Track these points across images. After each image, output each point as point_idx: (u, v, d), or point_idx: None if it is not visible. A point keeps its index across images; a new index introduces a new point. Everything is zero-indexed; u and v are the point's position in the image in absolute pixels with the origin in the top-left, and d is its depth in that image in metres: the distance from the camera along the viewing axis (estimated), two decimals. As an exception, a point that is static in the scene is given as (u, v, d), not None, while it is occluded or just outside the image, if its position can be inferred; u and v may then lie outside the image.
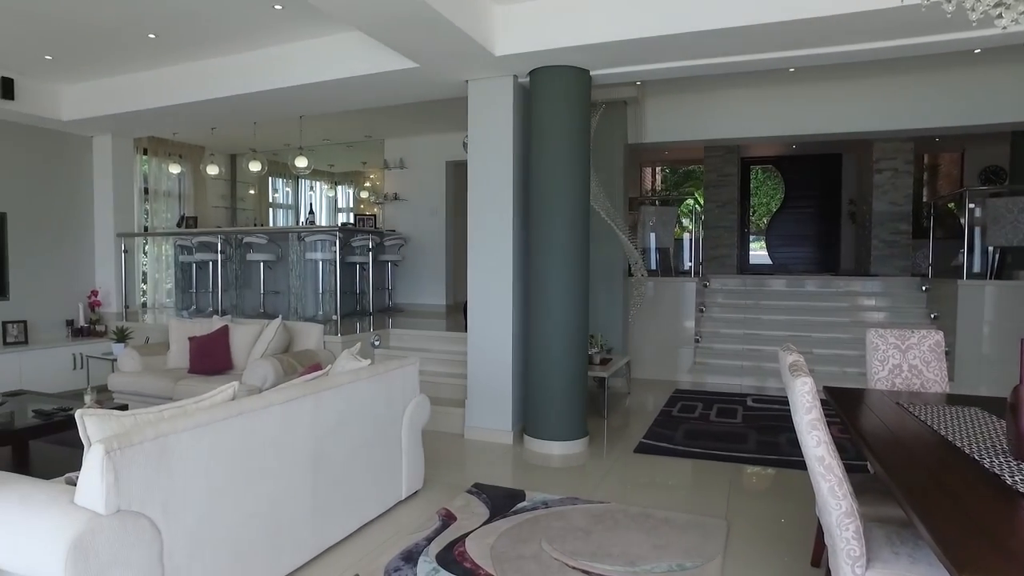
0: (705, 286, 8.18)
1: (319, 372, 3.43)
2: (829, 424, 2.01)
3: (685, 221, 12.60)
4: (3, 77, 5.97)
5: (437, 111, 7.17)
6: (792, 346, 2.40)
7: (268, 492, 2.69)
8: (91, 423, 2.25)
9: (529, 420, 4.92)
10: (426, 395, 3.95)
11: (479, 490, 3.90)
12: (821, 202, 10.83)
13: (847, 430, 2.53)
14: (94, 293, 7.20)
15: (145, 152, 8.05)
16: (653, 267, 8.93)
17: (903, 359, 3.17)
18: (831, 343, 7.15)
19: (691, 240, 9.69)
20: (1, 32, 5.08)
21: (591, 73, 4.81)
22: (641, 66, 4.68)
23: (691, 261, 9.27)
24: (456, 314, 8.09)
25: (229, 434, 2.50)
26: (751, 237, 12.03)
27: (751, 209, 12.55)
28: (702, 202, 10.45)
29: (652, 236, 9.35)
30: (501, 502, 3.70)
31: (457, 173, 8.83)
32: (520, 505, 3.65)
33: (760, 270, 10.77)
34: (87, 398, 4.11)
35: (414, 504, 3.70)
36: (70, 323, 6.94)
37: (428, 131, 8.87)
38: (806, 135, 7.56)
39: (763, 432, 5.16)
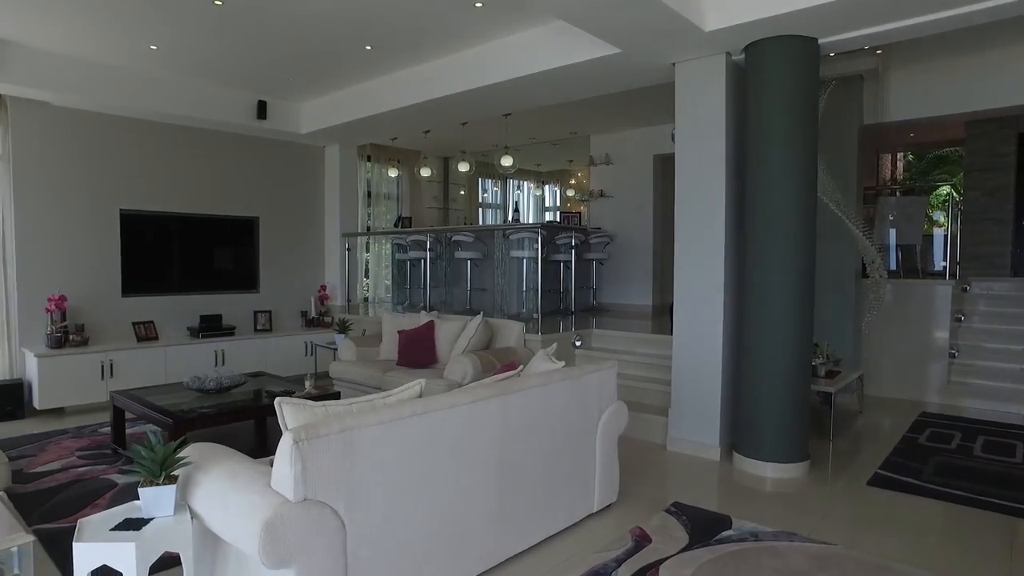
0: (964, 290, 6.82)
1: (511, 372, 3.32)
2: None
3: (936, 214, 10.79)
4: (259, 100, 6.86)
5: (643, 103, 6.86)
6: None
7: (450, 493, 2.61)
8: (287, 411, 2.33)
9: (739, 436, 4.40)
10: (624, 402, 3.67)
11: (679, 510, 3.52)
12: None
13: None
14: (323, 288, 8.01)
15: (369, 159, 8.79)
16: (893, 267, 7.69)
17: None
18: None
19: (945, 236, 8.18)
20: (258, 62, 5.81)
21: (819, 42, 4.15)
22: (884, 25, 3.90)
23: (945, 260, 7.82)
24: (662, 315, 7.68)
25: (413, 432, 2.46)
26: (1030, 231, 9.85)
27: (1030, 197, 10.28)
28: (961, 190, 8.79)
29: (892, 232, 8.08)
30: (703, 527, 3.30)
31: (665, 167, 8.38)
32: (725, 533, 3.22)
33: (1042, 272, 8.75)
34: (307, 383, 4.48)
35: (606, 519, 3.44)
36: (304, 314, 7.79)
37: (634, 124, 8.55)
38: None
39: (1053, 476, 4.07)
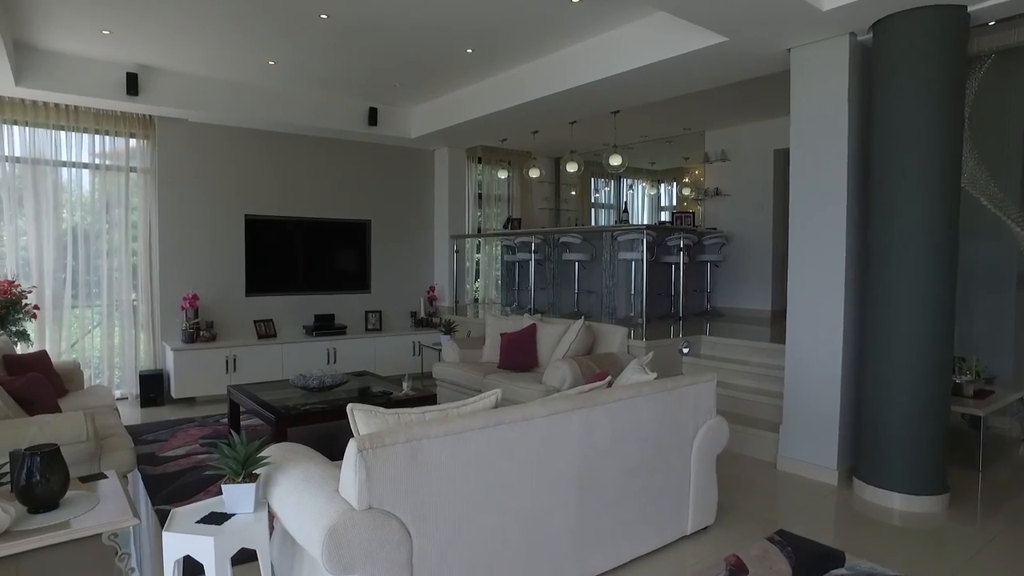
0: None
1: (598, 383, 3.16)
2: None
3: None
4: (370, 107, 7.11)
5: (760, 94, 6.41)
6: None
7: (526, 509, 2.50)
8: (359, 417, 2.33)
9: (861, 459, 3.95)
10: (726, 416, 3.40)
11: (783, 540, 3.20)
12: None
13: None
14: (432, 289, 8.16)
15: (479, 160, 8.87)
16: (1069, 271, 6.63)
17: None
18: None
19: None
20: (367, 70, 6.01)
21: (969, 10, 3.61)
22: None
23: None
24: (781, 321, 7.10)
25: (485, 444, 2.38)
26: None
27: None
28: None
29: (1069, 229, 6.97)
30: (810, 561, 2.96)
31: (786, 163, 7.76)
32: (836, 572, 2.87)
33: None
34: (404, 385, 4.54)
35: (700, 542, 3.19)
36: (413, 314, 7.97)
37: (752, 118, 8.02)
38: None
39: None
